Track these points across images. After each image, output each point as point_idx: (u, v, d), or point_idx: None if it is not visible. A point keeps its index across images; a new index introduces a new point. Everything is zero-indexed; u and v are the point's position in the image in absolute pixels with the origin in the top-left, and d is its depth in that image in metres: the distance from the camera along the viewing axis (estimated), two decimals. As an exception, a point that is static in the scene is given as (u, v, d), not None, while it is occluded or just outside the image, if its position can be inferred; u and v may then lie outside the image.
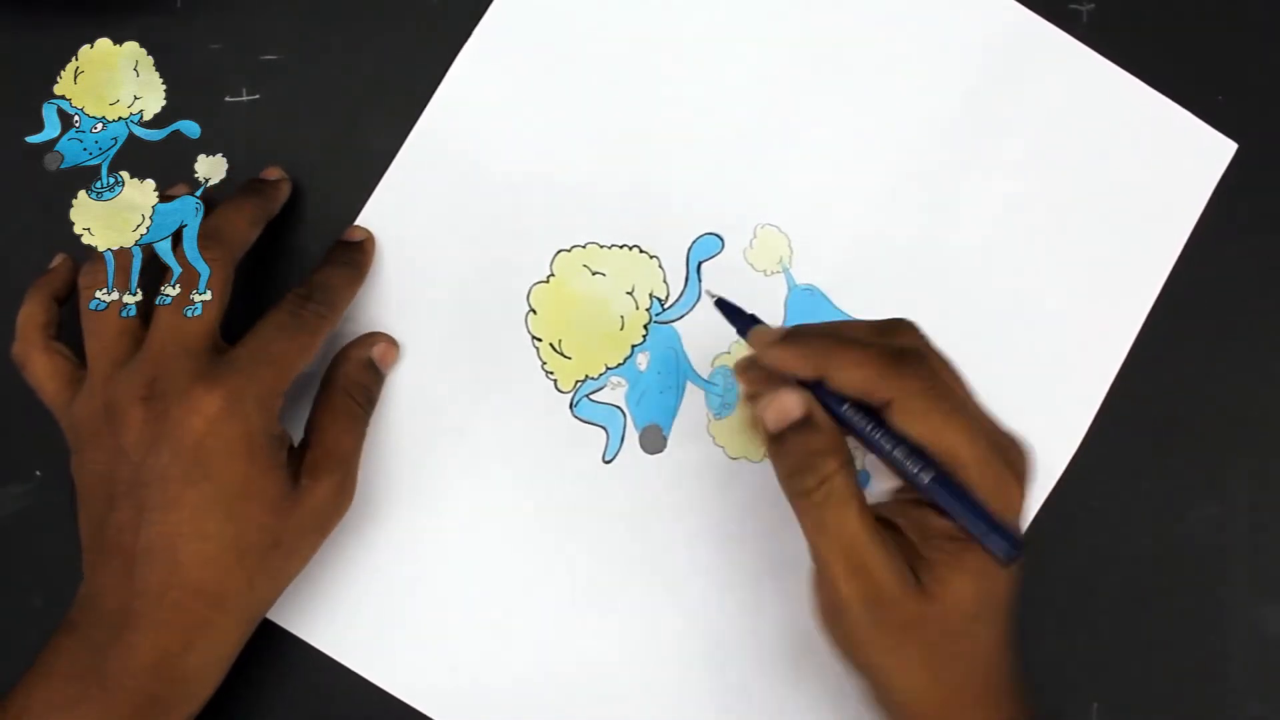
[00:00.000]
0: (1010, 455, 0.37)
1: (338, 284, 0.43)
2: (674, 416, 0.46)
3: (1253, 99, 0.48)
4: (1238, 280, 0.47)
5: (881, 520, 0.36)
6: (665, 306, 0.46)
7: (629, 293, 0.46)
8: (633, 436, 0.46)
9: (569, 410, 0.46)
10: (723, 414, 0.46)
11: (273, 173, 0.46)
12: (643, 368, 0.46)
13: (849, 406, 0.36)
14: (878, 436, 0.36)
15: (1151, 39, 0.48)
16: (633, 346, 0.46)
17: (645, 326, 0.46)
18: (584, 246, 0.46)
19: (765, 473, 0.46)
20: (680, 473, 0.45)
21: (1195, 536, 0.46)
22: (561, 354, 0.46)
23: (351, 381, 0.43)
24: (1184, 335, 0.47)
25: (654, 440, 0.45)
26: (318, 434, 0.42)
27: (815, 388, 0.37)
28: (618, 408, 0.46)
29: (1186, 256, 0.47)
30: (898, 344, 0.37)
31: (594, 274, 0.46)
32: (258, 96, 0.47)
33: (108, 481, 0.39)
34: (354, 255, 0.45)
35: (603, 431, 0.46)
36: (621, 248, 0.46)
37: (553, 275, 0.46)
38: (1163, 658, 0.45)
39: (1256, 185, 0.48)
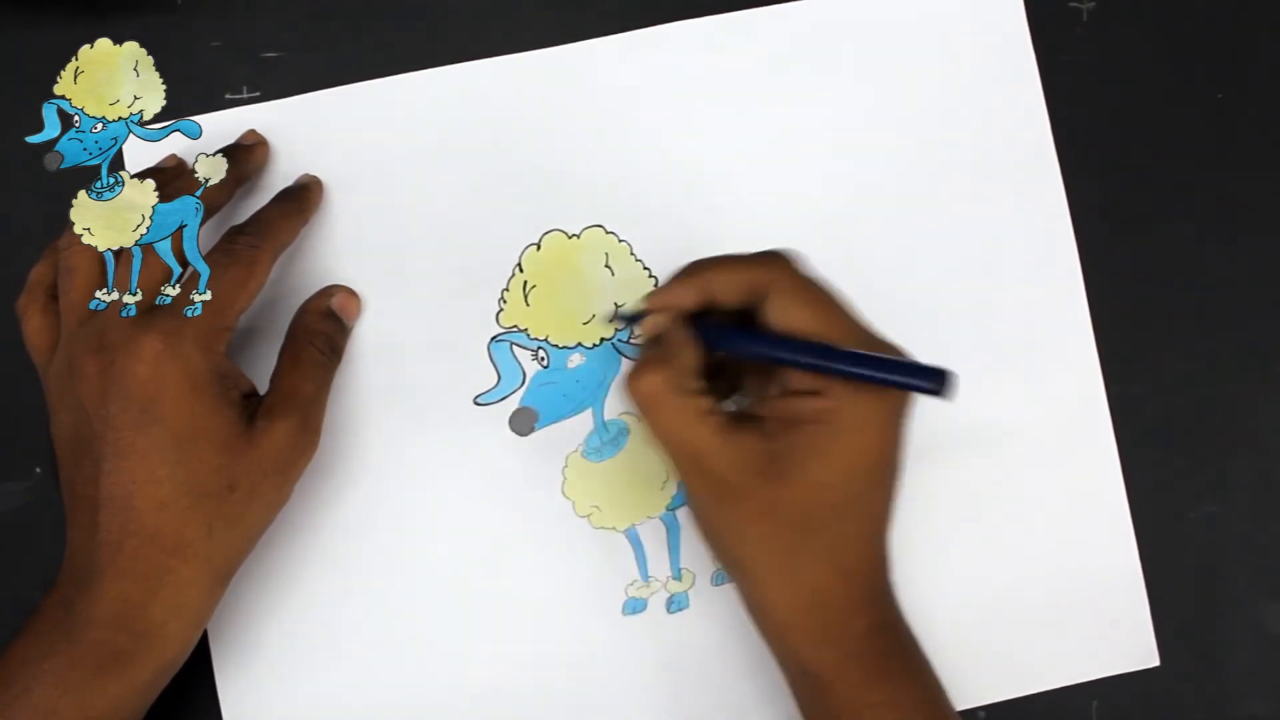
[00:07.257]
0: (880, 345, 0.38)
1: (274, 217, 0.43)
2: (555, 422, 0.45)
3: (1253, 98, 0.48)
4: (1238, 281, 0.47)
5: (747, 416, 0.38)
6: (628, 339, 0.46)
7: (609, 272, 0.46)
8: (511, 406, 0.45)
9: (487, 341, 0.46)
10: (590, 456, 0.45)
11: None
12: (570, 365, 0.45)
13: (729, 329, 0.38)
14: (760, 343, 0.37)
15: (1151, 38, 0.48)
16: (579, 342, 0.46)
17: (603, 338, 0.46)
18: (577, 236, 0.46)
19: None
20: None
21: (1195, 536, 0.46)
22: (525, 298, 0.46)
23: (310, 329, 0.44)
24: (1183, 335, 0.47)
25: (523, 422, 0.45)
26: (277, 379, 0.42)
27: (701, 325, 0.39)
28: (524, 372, 0.46)
29: (1187, 256, 0.47)
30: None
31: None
32: (259, 94, 0.47)
33: (74, 438, 0.40)
34: (295, 193, 0.45)
35: (494, 376, 0.46)
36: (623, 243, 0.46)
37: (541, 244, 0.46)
38: (1163, 657, 0.46)
39: (1257, 185, 0.48)
